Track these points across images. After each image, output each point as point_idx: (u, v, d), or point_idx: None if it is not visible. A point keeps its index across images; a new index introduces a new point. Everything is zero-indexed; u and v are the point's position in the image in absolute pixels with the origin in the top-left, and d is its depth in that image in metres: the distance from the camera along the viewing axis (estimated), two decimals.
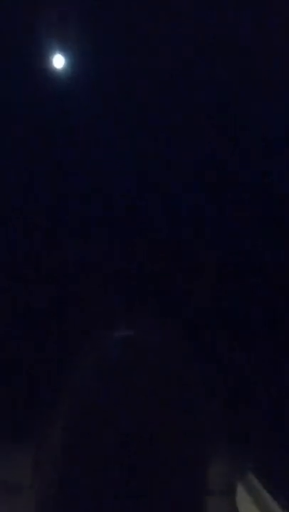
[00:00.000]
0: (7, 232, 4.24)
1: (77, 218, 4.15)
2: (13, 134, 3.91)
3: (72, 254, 4.06)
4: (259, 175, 3.89)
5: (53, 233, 4.19)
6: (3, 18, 3.36)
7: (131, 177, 3.95)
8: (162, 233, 4.10)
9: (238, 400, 4.29)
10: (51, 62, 3.77)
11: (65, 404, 0.88)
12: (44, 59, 3.70)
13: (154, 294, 3.97)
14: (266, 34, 3.55)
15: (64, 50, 3.71)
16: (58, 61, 3.80)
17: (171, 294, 4.02)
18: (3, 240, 4.14)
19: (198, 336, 4.14)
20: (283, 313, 4.08)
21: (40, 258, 4.19)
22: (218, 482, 3.37)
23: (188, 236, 4.08)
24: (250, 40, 3.60)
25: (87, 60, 3.67)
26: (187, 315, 3.94)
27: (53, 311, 4.29)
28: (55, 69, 3.82)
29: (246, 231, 3.87)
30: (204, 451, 0.89)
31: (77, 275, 4.26)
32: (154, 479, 0.84)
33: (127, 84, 3.72)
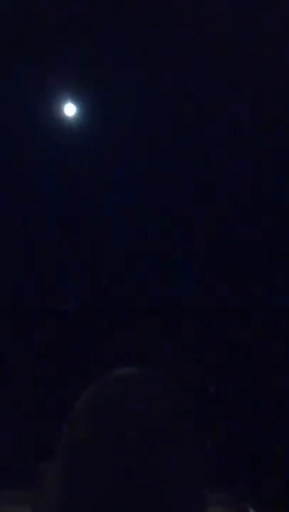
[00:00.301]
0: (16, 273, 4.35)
1: (78, 259, 4.25)
2: (28, 178, 4.02)
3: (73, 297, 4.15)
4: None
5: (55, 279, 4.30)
6: (20, 70, 3.51)
7: (133, 222, 4.04)
8: (161, 290, 4.20)
9: (236, 433, 4.34)
10: (63, 110, 3.92)
11: (64, 440, 0.85)
12: (56, 107, 3.85)
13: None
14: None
15: (75, 100, 3.86)
16: (69, 109, 3.96)
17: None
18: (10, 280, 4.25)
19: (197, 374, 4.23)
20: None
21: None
22: None
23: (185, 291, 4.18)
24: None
25: (96, 108, 3.81)
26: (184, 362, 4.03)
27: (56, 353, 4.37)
28: (67, 116, 3.98)
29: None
30: (203, 484, 0.86)
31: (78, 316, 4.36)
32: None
33: (135, 131, 3.85)
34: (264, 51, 3.22)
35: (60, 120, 3.93)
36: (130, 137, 3.85)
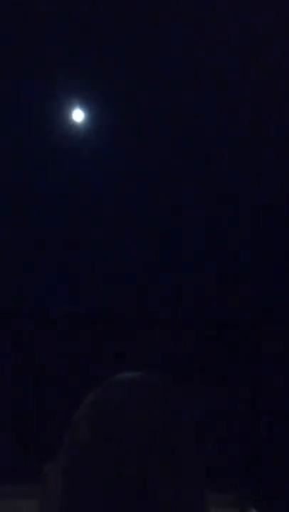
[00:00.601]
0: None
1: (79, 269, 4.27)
2: (37, 181, 4.07)
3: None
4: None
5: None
6: (28, 77, 3.56)
7: (144, 229, 4.06)
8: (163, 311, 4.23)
9: (239, 435, 4.36)
10: (71, 116, 3.97)
11: (66, 443, 0.86)
12: (65, 113, 3.90)
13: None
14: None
15: (83, 106, 3.91)
16: (78, 115, 4.01)
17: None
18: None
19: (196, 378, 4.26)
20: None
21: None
22: None
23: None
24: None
25: (104, 114, 3.86)
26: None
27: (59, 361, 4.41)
28: (75, 122, 4.03)
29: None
30: (203, 487, 0.84)
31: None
32: None
33: (142, 137, 3.89)
34: (264, 51, 3.26)
35: (68, 126, 3.99)
36: (137, 143, 3.90)
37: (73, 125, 3.98)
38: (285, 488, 3.94)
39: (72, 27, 3.49)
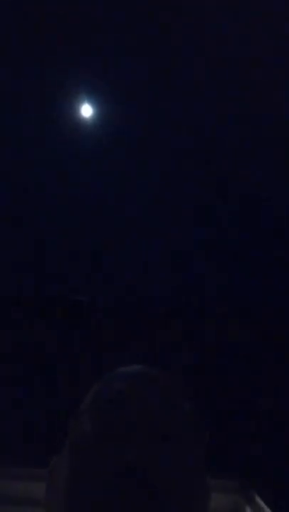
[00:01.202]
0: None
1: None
2: (46, 174, 4.15)
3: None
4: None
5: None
6: (39, 74, 3.64)
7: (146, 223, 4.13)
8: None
9: (245, 424, 4.42)
10: (80, 111, 4.04)
11: (73, 433, 0.88)
12: (74, 108, 3.97)
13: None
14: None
15: (92, 101, 3.98)
16: (86, 111, 4.09)
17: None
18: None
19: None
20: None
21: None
22: (226, 504, 3.45)
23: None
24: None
25: (112, 109, 3.93)
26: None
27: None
28: (84, 117, 4.11)
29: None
30: (205, 478, 0.86)
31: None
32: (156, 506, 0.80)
33: (149, 131, 3.96)
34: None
35: (77, 120, 4.07)
36: (144, 137, 3.98)
37: (82, 119, 4.07)
38: (287, 474, 3.99)
39: (82, 25, 3.57)
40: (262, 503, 2.99)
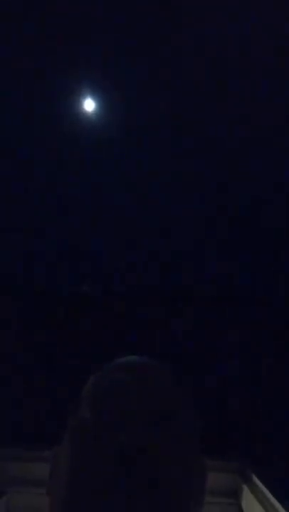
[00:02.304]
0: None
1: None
2: (50, 168, 4.22)
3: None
4: None
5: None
6: (43, 70, 3.69)
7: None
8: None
9: (241, 404, 4.49)
10: (83, 105, 4.10)
11: (73, 421, 0.89)
12: (77, 103, 4.02)
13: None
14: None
15: (94, 96, 4.03)
16: (89, 105, 4.14)
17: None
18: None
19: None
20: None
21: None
22: (223, 484, 3.53)
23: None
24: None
25: (114, 104, 3.98)
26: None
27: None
28: (86, 111, 4.16)
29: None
30: (202, 461, 0.88)
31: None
32: (154, 492, 0.81)
33: (150, 126, 4.01)
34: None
35: (80, 114, 4.15)
36: (146, 131, 4.06)
37: (84, 114, 4.13)
38: (283, 454, 4.07)
39: (84, 21, 3.63)
40: (259, 482, 3.08)
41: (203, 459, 0.89)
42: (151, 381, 0.90)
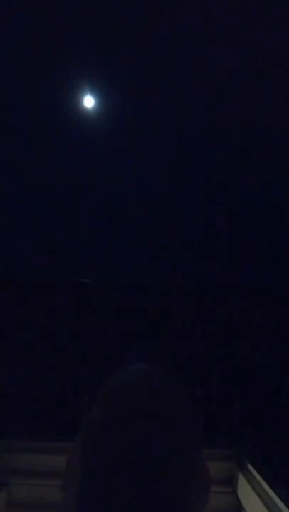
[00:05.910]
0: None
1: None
2: (50, 164, 4.26)
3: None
4: None
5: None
6: (43, 67, 3.75)
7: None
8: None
9: (237, 393, 4.52)
10: (82, 102, 4.15)
11: (86, 422, 0.94)
12: (76, 99, 4.08)
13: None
14: None
15: (93, 92, 4.09)
16: (88, 101, 4.19)
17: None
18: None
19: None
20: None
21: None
22: (220, 470, 3.60)
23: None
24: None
25: (113, 100, 4.04)
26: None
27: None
28: (86, 108, 4.21)
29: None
30: (204, 464, 0.94)
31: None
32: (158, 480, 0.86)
33: (149, 123, 4.08)
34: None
35: (79, 111, 4.21)
36: (144, 128, 4.12)
37: (84, 110, 4.19)
38: (279, 443, 4.14)
39: (84, 18, 3.68)
40: (253, 469, 3.15)
41: (204, 459, 0.95)
42: (157, 385, 0.96)
